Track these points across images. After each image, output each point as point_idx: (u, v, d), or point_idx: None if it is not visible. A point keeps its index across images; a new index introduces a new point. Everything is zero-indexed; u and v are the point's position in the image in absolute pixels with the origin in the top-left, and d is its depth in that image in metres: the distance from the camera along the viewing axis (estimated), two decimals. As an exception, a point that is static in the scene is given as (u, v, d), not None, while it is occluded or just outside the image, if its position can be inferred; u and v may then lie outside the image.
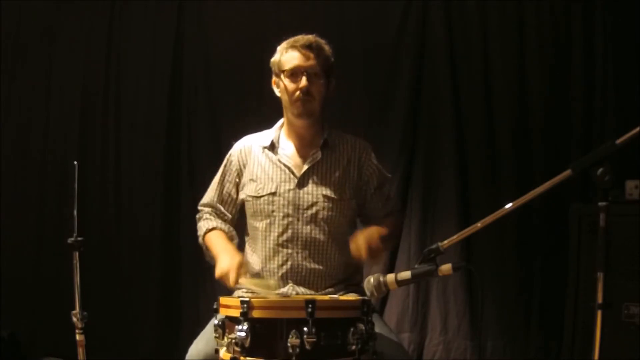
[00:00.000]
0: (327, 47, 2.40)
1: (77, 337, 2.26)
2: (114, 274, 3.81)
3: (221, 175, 2.50)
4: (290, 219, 2.34)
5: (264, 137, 2.47)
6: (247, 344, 1.79)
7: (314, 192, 2.36)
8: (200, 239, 2.48)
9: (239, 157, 2.46)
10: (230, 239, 2.44)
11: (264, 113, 2.70)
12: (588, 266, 2.92)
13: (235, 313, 1.81)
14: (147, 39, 3.95)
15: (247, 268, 2.32)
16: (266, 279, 2.36)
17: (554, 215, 3.31)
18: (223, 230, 2.45)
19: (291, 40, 2.39)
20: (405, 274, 1.84)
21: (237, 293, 2.43)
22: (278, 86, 2.41)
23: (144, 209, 3.86)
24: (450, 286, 3.45)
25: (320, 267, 2.34)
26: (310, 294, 2.31)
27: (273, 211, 2.35)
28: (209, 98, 3.85)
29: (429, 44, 3.60)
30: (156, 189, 3.86)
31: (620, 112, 3.31)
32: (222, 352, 1.89)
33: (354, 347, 1.81)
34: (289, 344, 1.75)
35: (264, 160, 2.42)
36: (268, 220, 2.36)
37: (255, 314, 1.80)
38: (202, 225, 2.48)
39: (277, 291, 2.25)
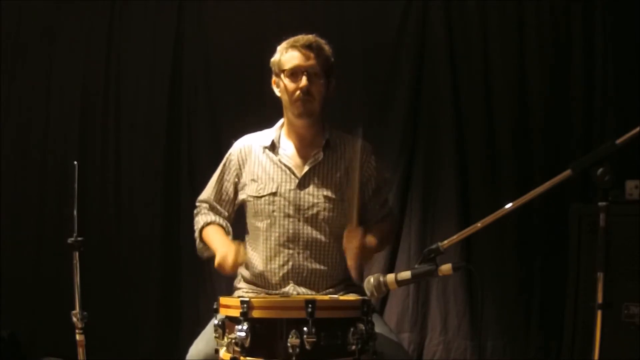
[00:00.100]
0: (327, 47, 2.40)
1: (77, 337, 2.26)
2: (114, 274, 3.81)
3: (220, 174, 2.50)
4: (291, 219, 2.34)
5: (264, 136, 2.47)
6: (247, 344, 1.79)
7: (315, 193, 2.36)
8: (197, 233, 2.48)
9: (239, 156, 2.46)
10: (227, 234, 2.45)
11: (264, 113, 2.69)
12: (588, 266, 2.92)
13: (235, 313, 1.81)
14: (147, 39, 3.95)
15: (245, 256, 2.32)
16: (268, 279, 2.36)
17: (554, 215, 3.31)
18: (221, 225, 2.46)
19: (291, 40, 2.38)
20: (405, 274, 1.84)
21: (237, 293, 2.43)
22: (278, 86, 2.41)
23: (144, 209, 3.86)
24: (450, 286, 3.45)
25: (322, 268, 2.35)
26: (311, 294, 2.31)
27: (274, 211, 2.35)
28: (209, 98, 3.85)
29: (429, 44, 3.60)
30: (156, 189, 3.86)
31: (620, 112, 3.31)
32: (222, 352, 1.89)
33: (354, 347, 1.81)
34: (289, 344, 1.75)
35: (265, 160, 2.42)
36: (269, 221, 2.36)
37: (255, 314, 1.80)
38: (200, 220, 2.49)
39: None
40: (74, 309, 2.24)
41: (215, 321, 1.92)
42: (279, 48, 2.41)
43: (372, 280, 1.88)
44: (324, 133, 2.43)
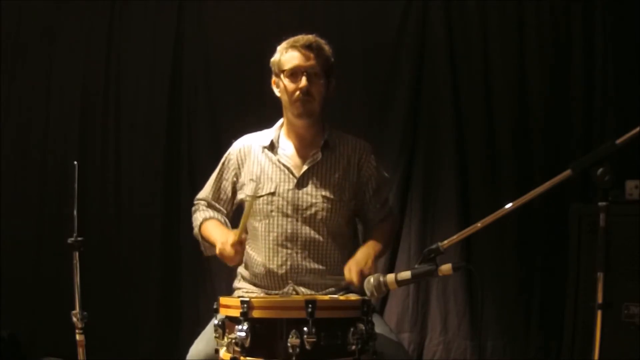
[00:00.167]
0: (327, 47, 2.40)
1: (77, 337, 2.25)
2: (114, 274, 3.80)
3: (218, 173, 2.51)
4: (289, 219, 2.34)
5: (263, 136, 2.47)
6: (247, 344, 1.79)
7: (313, 193, 2.36)
8: (196, 229, 2.48)
9: (238, 156, 2.46)
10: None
11: (264, 113, 2.70)
12: (588, 266, 2.91)
13: (235, 313, 1.81)
14: (147, 39, 3.94)
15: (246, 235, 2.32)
16: (267, 279, 2.36)
17: (554, 215, 3.31)
18: (219, 221, 2.46)
19: (291, 40, 2.39)
20: (405, 274, 1.84)
21: (237, 293, 2.43)
22: (278, 86, 2.41)
23: (144, 209, 3.86)
24: (450, 286, 3.45)
25: (321, 267, 2.34)
26: (311, 294, 2.31)
27: (272, 211, 2.35)
28: (209, 98, 3.85)
29: (429, 44, 3.59)
30: (156, 189, 3.85)
31: (620, 112, 3.31)
32: (222, 352, 1.89)
33: (354, 347, 1.81)
34: (289, 344, 1.75)
35: (264, 160, 2.42)
36: (267, 220, 2.36)
37: (255, 314, 1.80)
38: (199, 216, 2.49)
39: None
40: (74, 309, 2.24)
41: (215, 321, 1.92)
42: (279, 48, 2.41)
43: (372, 280, 1.88)
44: (323, 133, 2.43)
